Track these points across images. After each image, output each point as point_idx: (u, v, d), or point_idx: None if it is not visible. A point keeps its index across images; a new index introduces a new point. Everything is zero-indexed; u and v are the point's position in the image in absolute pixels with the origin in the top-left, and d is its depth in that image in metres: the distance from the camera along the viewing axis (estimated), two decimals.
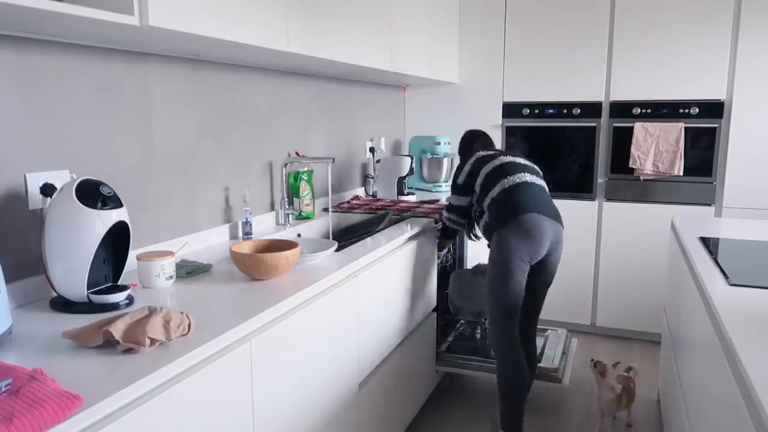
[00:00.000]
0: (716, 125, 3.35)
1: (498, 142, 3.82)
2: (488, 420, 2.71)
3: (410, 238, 2.45)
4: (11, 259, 1.49)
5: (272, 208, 2.62)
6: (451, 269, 3.13)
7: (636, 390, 2.62)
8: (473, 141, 2.69)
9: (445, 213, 2.58)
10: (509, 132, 3.79)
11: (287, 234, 2.51)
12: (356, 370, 2.01)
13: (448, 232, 2.67)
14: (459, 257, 3.21)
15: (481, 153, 2.49)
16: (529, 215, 2.23)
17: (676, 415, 2.07)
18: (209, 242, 2.20)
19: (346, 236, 2.83)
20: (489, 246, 2.35)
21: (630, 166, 3.50)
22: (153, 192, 1.94)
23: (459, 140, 2.76)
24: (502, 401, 2.34)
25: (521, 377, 2.29)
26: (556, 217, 2.32)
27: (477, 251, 3.63)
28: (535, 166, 2.48)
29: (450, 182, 2.66)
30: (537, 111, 3.71)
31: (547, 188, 2.42)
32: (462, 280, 2.84)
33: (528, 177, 2.35)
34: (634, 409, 2.72)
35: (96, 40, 1.63)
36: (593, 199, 3.65)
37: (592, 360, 2.56)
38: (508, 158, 2.41)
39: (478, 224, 2.49)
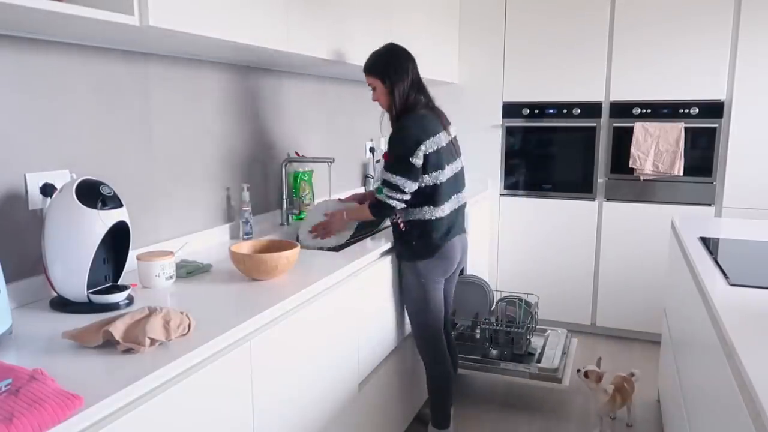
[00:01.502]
0: (716, 125, 3.35)
1: (498, 141, 3.82)
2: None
3: None
4: (11, 259, 1.49)
5: (272, 208, 2.62)
6: None
7: (633, 390, 2.62)
8: (406, 67, 2.21)
9: (387, 191, 2.12)
10: (509, 132, 3.79)
11: (287, 234, 2.51)
12: (356, 370, 2.01)
13: (384, 215, 2.21)
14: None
15: (440, 138, 2.16)
16: (450, 243, 2.25)
17: (676, 415, 2.07)
18: (209, 242, 2.20)
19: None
20: (400, 244, 2.24)
21: (630, 166, 3.50)
22: (153, 192, 1.94)
23: (382, 55, 2.22)
24: (432, 403, 2.44)
25: (448, 383, 2.41)
26: (464, 227, 2.37)
27: (474, 256, 3.63)
28: (462, 164, 2.32)
29: (392, 153, 2.13)
30: (537, 111, 3.71)
31: (464, 189, 2.34)
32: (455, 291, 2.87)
33: (458, 198, 2.28)
34: (634, 409, 2.72)
35: (96, 40, 1.63)
36: (593, 199, 3.65)
37: (579, 370, 2.56)
38: (452, 167, 2.22)
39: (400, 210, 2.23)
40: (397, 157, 2.11)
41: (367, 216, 2.23)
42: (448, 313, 2.52)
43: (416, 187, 2.14)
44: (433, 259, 2.24)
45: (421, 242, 2.21)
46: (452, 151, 2.26)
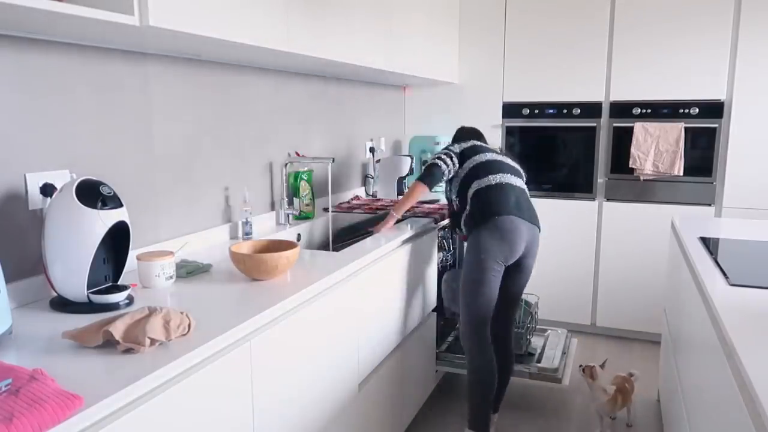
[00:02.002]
0: (716, 125, 3.35)
1: (498, 142, 3.82)
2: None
3: (410, 238, 2.45)
4: (11, 259, 1.49)
5: (272, 208, 2.62)
6: (451, 269, 3.13)
7: (634, 391, 2.62)
8: (467, 136, 2.67)
9: (437, 156, 2.44)
10: (509, 132, 3.79)
11: (287, 234, 2.51)
12: (356, 370, 2.01)
13: (434, 175, 2.38)
14: (459, 257, 3.21)
15: (477, 142, 2.52)
16: (508, 218, 2.26)
17: (676, 415, 2.07)
18: (209, 242, 2.20)
19: (346, 236, 2.83)
20: (451, 244, 2.38)
21: (630, 166, 3.50)
22: (153, 192, 1.94)
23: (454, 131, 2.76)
24: (470, 401, 2.37)
25: (490, 378, 2.34)
26: (533, 219, 2.35)
27: None
28: (520, 169, 2.49)
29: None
30: (537, 111, 3.71)
31: (527, 191, 2.45)
32: (454, 282, 2.85)
33: (511, 179, 2.37)
34: (634, 409, 2.72)
35: (96, 40, 1.63)
36: (593, 199, 3.65)
37: (581, 366, 2.56)
38: (497, 156, 2.43)
39: (460, 218, 2.43)
40: (440, 151, 2.48)
41: (414, 193, 2.41)
42: (514, 308, 2.51)
43: (457, 166, 2.41)
44: (493, 234, 2.25)
45: (477, 210, 2.30)
46: (496, 151, 2.49)
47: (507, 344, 2.54)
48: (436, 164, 2.39)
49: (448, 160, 2.40)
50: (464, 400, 2.42)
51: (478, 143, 2.51)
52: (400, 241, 2.35)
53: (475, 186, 2.34)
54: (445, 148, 2.48)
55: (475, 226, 2.30)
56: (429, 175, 2.39)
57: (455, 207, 2.46)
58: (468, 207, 2.36)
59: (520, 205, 2.31)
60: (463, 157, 2.42)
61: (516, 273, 2.40)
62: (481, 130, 3.85)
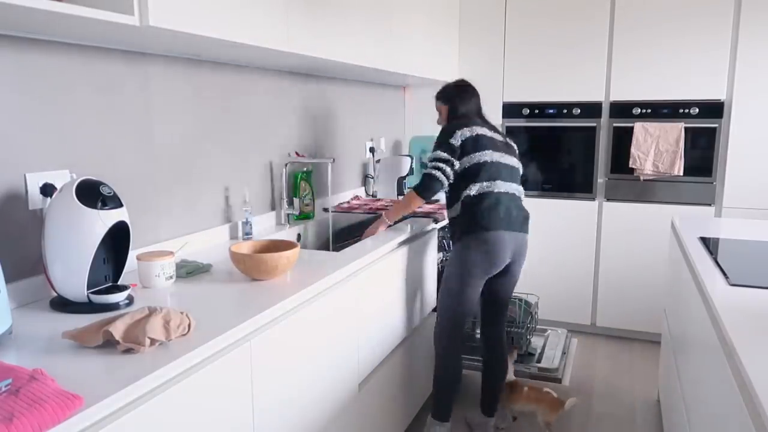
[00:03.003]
0: (716, 125, 3.35)
1: None
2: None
3: (410, 239, 2.45)
4: (11, 259, 1.49)
5: (272, 208, 2.62)
6: None
7: (552, 408, 2.51)
8: (461, 101, 2.44)
9: (430, 165, 2.28)
10: (509, 132, 3.79)
11: (287, 234, 2.51)
12: (356, 370, 2.01)
13: (431, 188, 2.28)
14: None
15: (476, 131, 2.30)
16: (495, 234, 2.23)
17: (676, 415, 2.07)
18: (209, 242, 2.20)
19: (346, 236, 2.83)
20: (450, 245, 2.34)
21: (630, 166, 3.50)
22: (153, 192, 1.94)
23: (443, 87, 2.49)
24: (436, 395, 2.44)
25: (457, 377, 2.42)
26: (522, 227, 2.32)
27: None
28: (516, 164, 2.40)
29: (436, 141, 2.33)
30: (537, 111, 3.71)
31: (521, 192, 2.38)
32: None
33: (506, 186, 2.29)
34: (634, 409, 2.71)
35: (96, 40, 1.63)
36: (593, 199, 3.65)
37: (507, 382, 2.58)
38: (496, 156, 2.30)
39: (449, 207, 2.38)
40: (439, 141, 2.31)
41: (409, 203, 2.35)
42: (503, 312, 2.49)
43: (458, 164, 2.27)
44: (478, 249, 2.22)
45: (465, 220, 2.25)
46: (499, 144, 2.35)
47: (501, 348, 2.54)
48: (435, 177, 2.26)
49: (448, 169, 2.26)
50: (432, 392, 2.47)
51: (482, 132, 2.32)
52: (400, 241, 2.35)
53: (467, 191, 2.26)
54: (446, 144, 2.27)
55: (461, 237, 2.28)
56: (426, 188, 2.28)
57: (448, 196, 2.38)
58: (458, 211, 2.31)
59: (509, 216, 2.27)
60: (462, 151, 2.27)
61: (503, 278, 2.41)
62: None
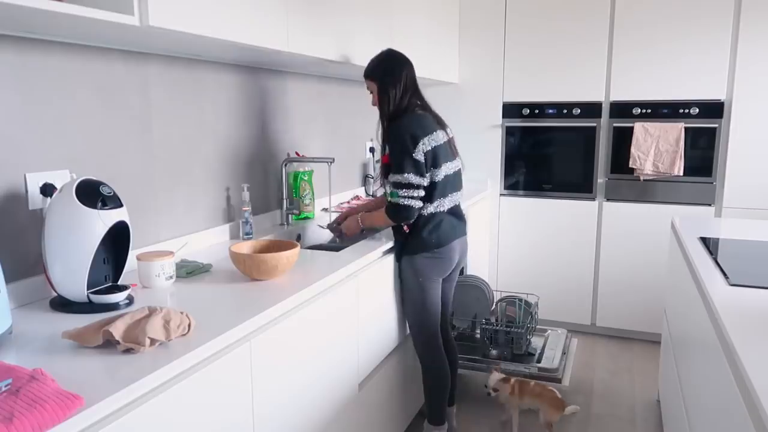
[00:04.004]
0: (716, 125, 3.35)
1: (498, 141, 3.82)
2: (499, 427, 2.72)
3: None
4: (11, 259, 1.49)
5: (272, 208, 2.62)
6: None
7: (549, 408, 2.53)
8: (393, 77, 2.22)
9: (400, 192, 2.12)
10: (509, 132, 3.79)
11: (287, 234, 2.51)
12: (356, 370, 2.01)
13: (404, 218, 2.16)
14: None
15: (432, 141, 2.16)
16: (449, 246, 2.25)
17: (676, 415, 2.07)
18: (209, 242, 2.20)
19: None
20: (399, 244, 2.27)
21: (630, 166, 3.50)
22: (153, 192, 1.94)
23: (379, 60, 2.25)
24: (429, 400, 2.43)
25: (445, 381, 2.40)
26: (464, 229, 2.35)
27: (474, 256, 3.63)
28: (460, 166, 2.33)
29: (394, 154, 2.14)
30: (537, 111, 3.71)
31: (462, 190, 2.35)
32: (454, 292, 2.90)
33: (455, 198, 2.28)
34: (634, 409, 2.72)
35: (96, 40, 1.63)
36: (593, 199, 3.65)
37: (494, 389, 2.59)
38: (450, 167, 2.23)
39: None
40: (400, 156, 2.13)
41: (384, 221, 2.22)
42: (447, 313, 2.52)
43: (426, 182, 2.15)
44: (431, 258, 2.24)
45: (419, 237, 2.21)
46: (450, 150, 2.27)
47: (450, 344, 2.56)
48: (410, 207, 2.13)
49: (421, 192, 2.14)
50: (425, 399, 2.44)
51: (440, 136, 2.20)
52: None
53: (431, 208, 2.19)
54: (411, 161, 2.11)
55: (413, 251, 2.22)
56: (401, 219, 2.16)
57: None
58: (408, 227, 2.23)
59: (457, 227, 2.29)
60: (426, 166, 2.14)
61: (449, 278, 2.42)
62: (481, 131, 3.86)
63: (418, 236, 2.21)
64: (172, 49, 1.87)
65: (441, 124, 2.27)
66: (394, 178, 2.14)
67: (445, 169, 2.22)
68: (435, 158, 2.17)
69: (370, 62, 2.28)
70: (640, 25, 3.41)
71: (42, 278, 1.53)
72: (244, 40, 1.77)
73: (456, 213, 2.32)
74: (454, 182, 2.28)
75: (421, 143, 2.12)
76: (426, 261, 2.24)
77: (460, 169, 2.35)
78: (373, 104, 2.29)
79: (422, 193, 2.15)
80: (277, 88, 2.59)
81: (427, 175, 2.16)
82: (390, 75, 2.21)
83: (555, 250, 3.77)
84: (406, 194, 2.13)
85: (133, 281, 1.68)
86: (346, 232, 2.38)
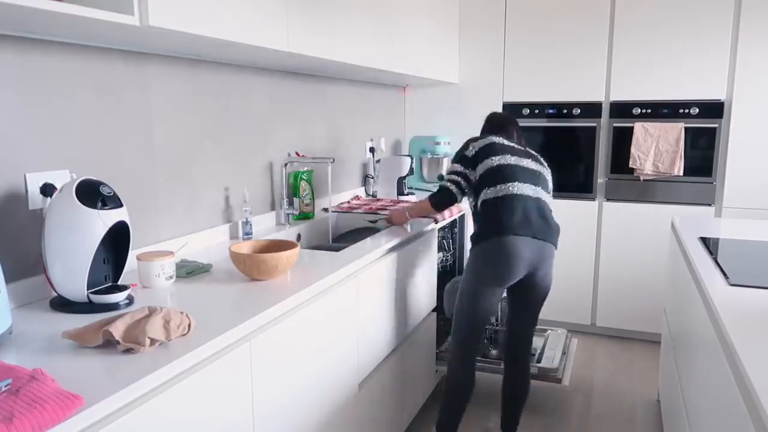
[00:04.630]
0: (716, 125, 3.35)
1: None
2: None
3: (410, 238, 2.45)
4: (11, 259, 1.49)
5: (272, 208, 2.62)
6: (450, 270, 3.13)
7: None
8: (489, 127, 2.49)
9: (447, 176, 2.34)
10: None
11: (287, 234, 2.51)
12: (356, 370, 2.01)
13: (444, 201, 2.33)
14: (459, 257, 3.21)
15: (496, 139, 2.30)
16: (507, 239, 2.11)
17: (676, 415, 2.07)
18: (209, 242, 2.20)
19: (346, 236, 2.83)
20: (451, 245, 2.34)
21: (630, 166, 3.50)
22: (153, 192, 1.94)
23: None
24: (443, 408, 2.34)
25: (465, 395, 2.31)
26: (544, 235, 2.16)
27: None
28: (543, 171, 2.31)
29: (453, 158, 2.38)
30: (537, 111, 3.71)
31: (546, 199, 2.26)
32: (453, 296, 2.88)
33: (524, 188, 2.19)
34: (634, 409, 2.72)
35: (96, 40, 1.63)
36: (593, 199, 3.65)
37: None
38: (512, 159, 2.23)
39: (472, 214, 2.32)
40: (456, 154, 2.36)
41: (428, 208, 2.41)
42: (526, 327, 2.35)
43: (474, 174, 2.27)
44: (489, 256, 2.13)
45: (480, 225, 2.20)
46: (518, 150, 2.30)
47: (525, 366, 2.41)
48: (448, 190, 2.31)
49: (462, 182, 2.29)
50: (439, 405, 2.40)
51: (497, 140, 2.28)
52: (400, 242, 2.34)
53: (482, 196, 2.22)
54: (461, 155, 2.31)
55: (476, 242, 2.20)
56: (439, 200, 2.35)
57: (472, 208, 2.34)
58: (476, 216, 2.27)
59: (528, 220, 2.13)
60: (476, 160, 2.26)
61: (525, 291, 2.27)
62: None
63: (483, 218, 2.21)
64: (172, 49, 1.87)
65: (518, 143, 2.37)
66: (446, 169, 2.38)
67: (509, 159, 2.24)
68: (490, 151, 2.26)
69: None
70: (640, 25, 3.41)
71: (42, 278, 1.53)
72: (244, 40, 1.77)
73: (527, 208, 2.16)
74: (521, 174, 2.20)
75: (474, 143, 2.32)
76: (484, 260, 2.15)
77: (539, 172, 2.27)
78: None
79: (463, 182, 2.30)
80: (278, 87, 2.59)
81: (481, 164, 2.25)
82: (482, 131, 2.51)
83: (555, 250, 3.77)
84: (449, 178, 2.34)
85: (133, 281, 1.68)
86: (393, 222, 2.56)
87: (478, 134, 3.85)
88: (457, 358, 2.27)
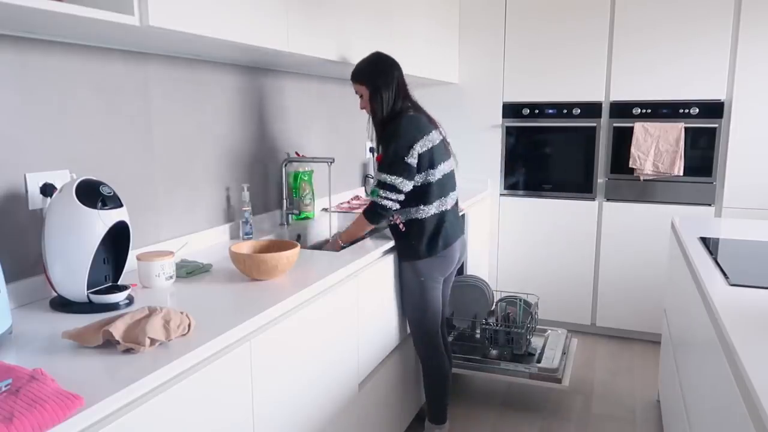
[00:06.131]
0: (716, 125, 3.35)
1: (498, 141, 3.82)
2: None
3: None
4: (11, 259, 1.49)
5: (272, 208, 2.62)
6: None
7: None
8: (384, 80, 2.21)
9: (382, 192, 2.13)
10: (509, 132, 3.79)
11: (287, 234, 2.51)
12: (356, 370, 2.01)
13: (379, 218, 2.18)
14: None
15: (428, 142, 2.17)
16: (450, 247, 2.29)
17: (676, 415, 2.07)
18: (209, 242, 2.20)
19: None
20: (400, 245, 2.26)
21: (630, 166, 3.50)
22: (153, 192, 1.94)
23: (369, 63, 2.24)
24: (430, 399, 2.45)
25: (445, 379, 2.43)
26: (463, 228, 2.40)
27: (474, 256, 3.63)
28: (455, 166, 2.36)
29: (388, 153, 2.14)
30: (537, 111, 3.71)
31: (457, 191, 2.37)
32: (453, 292, 2.91)
33: (452, 198, 2.30)
34: (634, 409, 2.71)
35: (96, 40, 1.63)
36: (593, 199, 3.65)
37: None
38: (446, 167, 2.25)
39: (395, 220, 2.25)
40: (393, 157, 2.13)
41: (363, 225, 2.22)
42: (446, 313, 2.53)
43: (411, 187, 2.17)
44: (434, 259, 2.25)
45: (421, 241, 2.22)
46: (444, 150, 2.30)
47: (446, 339, 2.58)
48: (386, 207, 2.14)
49: (401, 197, 2.15)
50: (425, 399, 2.47)
51: (432, 140, 2.18)
52: None
53: (417, 215, 2.19)
54: (402, 164, 2.12)
55: (414, 256, 2.22)
56: (377, 217, 2.17)
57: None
58: (409, 229, 2.21)
59: (456, 226, 2.32)
60: (419, 165, 2.16)
61: (445, 282, 2.46)
62: (481, 131, 3.86)
63: (422, 239, 2.22)
64: (172, 49, 1.87)
65: (434, 124, 2.29)
66: (381, 176, 2.15)
67: (441, 169, 2.25)
68: (431, 159, 2.19)
69: (358, 65, 2.27)
70: (640, 25, 3.41)
71: (42, 278, 1.53)
72: (244, 40, 1.77)
73: (456, 212, 2.34)
74: (451, 182, 2.31)
75: (416, 145, 2.15)
76: (429, 261, 2.25)
77: (453, 170, 2.37)
78: (362, 108, 2.29)
79: (402, 197, 2.16)
80: (278, 87, 2.59)
81: (422, 174, 2.18)
82: (382, 77, 2.21)
83: (555, 250, 3.77)
84: (386, 195, 2.14)
85: (133, 281, 1.68)
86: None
87: (477, 134, 3.86)
88: (430, 351, 2.39)
